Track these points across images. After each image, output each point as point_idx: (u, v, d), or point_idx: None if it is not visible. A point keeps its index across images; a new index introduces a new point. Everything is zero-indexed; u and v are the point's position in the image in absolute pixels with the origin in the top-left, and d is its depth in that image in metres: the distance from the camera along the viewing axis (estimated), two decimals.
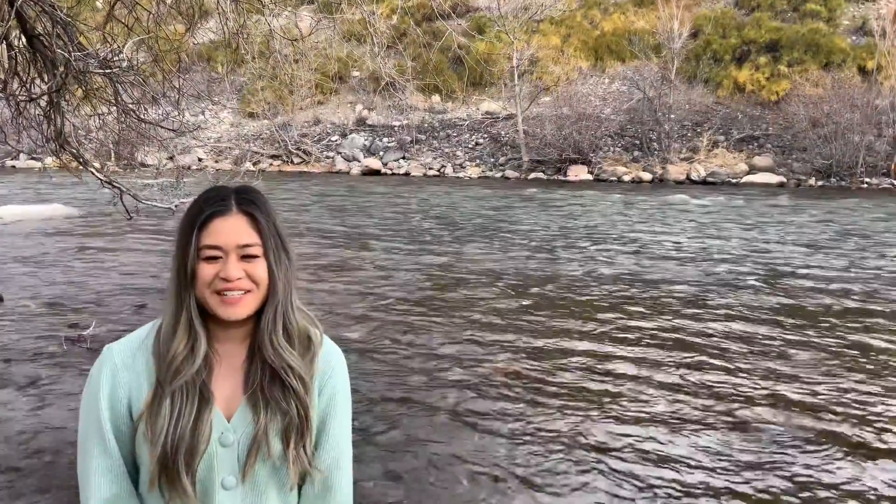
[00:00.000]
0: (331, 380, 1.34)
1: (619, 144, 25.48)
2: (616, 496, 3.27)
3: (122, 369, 1.23)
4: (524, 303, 6.86)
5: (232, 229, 1.21)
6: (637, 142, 25.26)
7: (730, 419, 4.14)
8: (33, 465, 3.47)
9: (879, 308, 6.74)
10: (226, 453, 1.23)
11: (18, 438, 3.77)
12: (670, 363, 5.11)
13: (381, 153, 28.14)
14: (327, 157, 28.74)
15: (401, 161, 27.57)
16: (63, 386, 4.54)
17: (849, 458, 3.67)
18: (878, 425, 4.06)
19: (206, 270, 1.20)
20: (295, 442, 1.25)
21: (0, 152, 27.61)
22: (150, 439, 1.18)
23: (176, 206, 5.36)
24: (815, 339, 5.71)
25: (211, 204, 1.22)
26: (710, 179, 22.67)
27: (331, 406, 1.34)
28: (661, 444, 3.81)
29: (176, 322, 1.22)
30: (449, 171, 26.33)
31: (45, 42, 4.15)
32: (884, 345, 5.58)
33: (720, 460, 3.62)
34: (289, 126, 29.31)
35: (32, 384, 4.56)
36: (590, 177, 23.96)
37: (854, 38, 26.42)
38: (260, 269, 1.23)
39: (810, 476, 3.47)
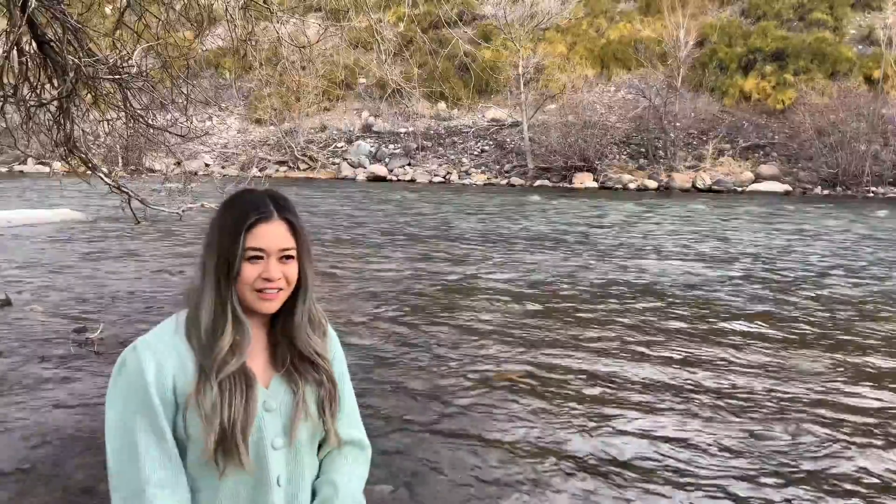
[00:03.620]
0: (335, 355, 1.51)
1: (625, 152, 25.51)
2: (621, 501, 3.28)
3: (165, 357, 1.31)
4: (529, 308, 6.87)
5: (275, 234, 1.34)
6: (642, 150, 25.29)
7: (738, 426, 4.14)
8: (41, 467, 3.49)
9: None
10: (271, 417, 1.36)
11: (26, 440, 3.79)
12: (676, 368, 5.11)
13: (387, 160, 28.22)
14: (333, 164, 28.85)
15: (406, 168, 27.64)
16: (70, 389, 4.56)
17: (861, 463, 3.66)
18: (887, 427, 4.06)
19: (250, 270, 1.32)
20: (330, 408, 1.42)
21: (9, 157, 27.80)
22: (202, 418, 1.27)
23: (183, 211, 5.39)
24: (822, 342, 5.71)
25: (256, 209, 1.34)
26: (715, 188, 22.66)
27: (341, 377, 1.51)
28: (668, 450, 3.81)
29: (220, 317, 1.33)
30: (454, 177, 26.38)
31: (55, 48, 4.19)
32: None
33: (727, 467, 3.62)
34: (295, 132, 29.44)
35: (40, 387, 4.58)
36: (595, 184, 23.98)
37: (860, 47, 26.43)
38: (293, 269, 1.37)
39: (821, 480, 3.46)
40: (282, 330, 1.41)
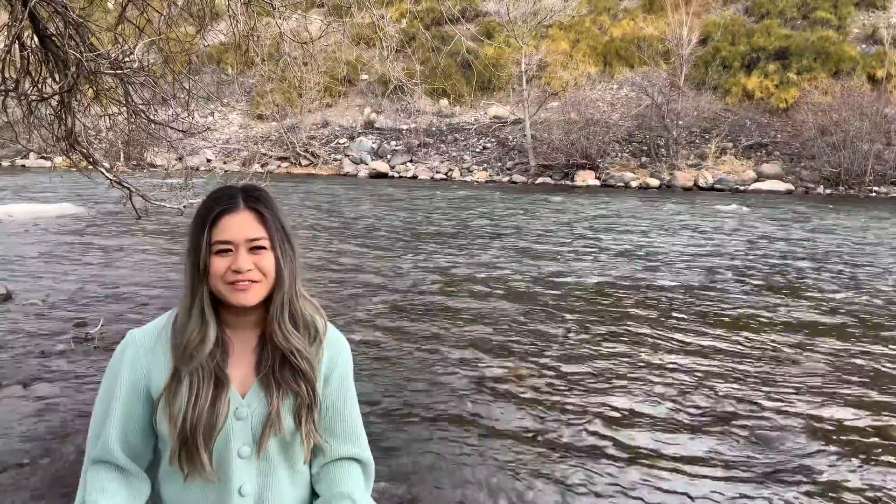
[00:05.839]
0: (338, 365, 1.45)
1: (627, 150, 25.48)
2: (621, 501, 3.27)
3: (143, 353, 1.33)
4: (530, 307, 6.86)
5: (240, 224, 1.31)
6: (645, 148, 25.25)
7: (741, 428, 4.13)
8: (40, 462, 3.49)
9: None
10: (240, 426, 1.32)
11: (25, 435, 3.79)
12: (679, 368, 5.10)
13: (389, 156, 28.20)
14: (335, 160, 28.83)
15: (408, 164, 27.62)
16: (70, 384, 4.56)
17: (859, 465, 3.66)
18: (885, 433, 4.05)
19: (219, 264, 1.30)
20: (306, 419, 1.35)
21: (11, 151, 27.81)
22: (168, 417, 1.28)
23: (185, 206, 5.38)
24: (825, 347, 5.70)
25: (220, 202, 1.32)
26: (717, 186, 22.62)
27: (342, 388, 1.45)
28: (669, 450, 3.80)
29: (190, 312, 1.32)
30: (456, 174, 26.36)
31: (57, 42, 4.18)
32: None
33: (728, 468, 3.61)
34: (297, 128, 29.42)
35: (39, 381, 4.58)
36: (597, 182, 23.96)
37: (864, 46, 26.35)
38: (267, 260, 1.33)
39: (820, 483, 3.46)
40: (266, 330, 1.39)
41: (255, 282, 1.31)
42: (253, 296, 1.32)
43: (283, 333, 1.35)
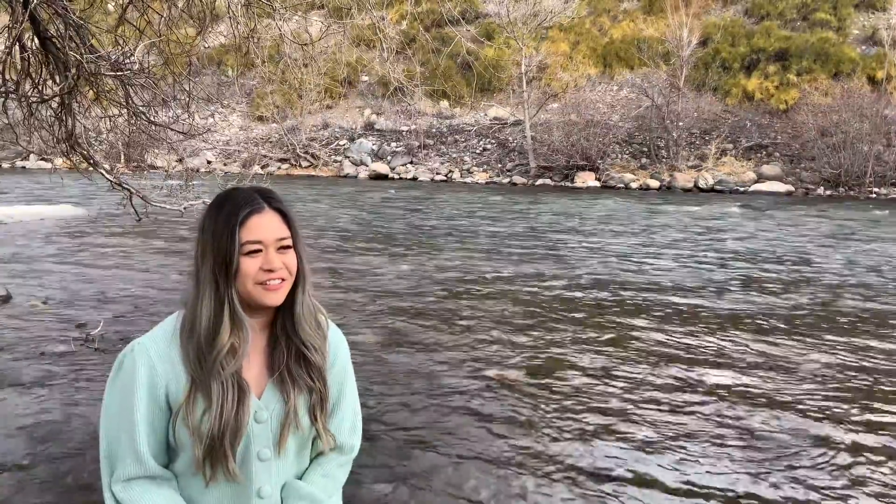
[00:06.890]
0: (338, 357, 1.48)
1: (627, 151, 25.48)
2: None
3: (159, 362, 1.31)
4: (530, 309, 6.86)
5: (269, 225, 1.33)
6: (645, 149, 25.26)
7: (734, 431, 4.13)
8: (39, 463, 3.49)
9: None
10: (260, 429, 1.34)
11: (25, 437, 3.79)
12: (674, 368, 5.10)
13: (389, 158, 28.21)
14: (335, 161, 28.85)
15: (408, 166, 27.63)
16: (70, 386, 4.56)
17: (851, 465, 3.66)
18: (879, 432, 4.05)
19: (250, 264, 1.31)
20: (321, 413, 1.39)
21: (11, 153, 27.84)
22: (189, 427, 1.28)
23: (185, 208, 5.38)
24: (820, 347, 5.70)
25: (247, 204, 1.33)
26: (717, 187, 22.63)
27: (343, 379, 1.49)
28: (664, 453, 3.80)
29: (219, 318, 1.30)
30: (456, 176, 26.38)
31: (57, 44, 4.18)
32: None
33: (721, 473, 3.61)
34: (297, 130, 29.44)
35: (40, 383, 4.59)
36: (597, 183, 23.97)
37: (864, 47, 26.37)
38: (293, 259, 1.36)
39: (814, 483, 3.46)
40: (282, 326, 1.40)
41: (284, 280, 1.34)
42: (282, 295, 1.34)
43: (306, 330, 1.39)
